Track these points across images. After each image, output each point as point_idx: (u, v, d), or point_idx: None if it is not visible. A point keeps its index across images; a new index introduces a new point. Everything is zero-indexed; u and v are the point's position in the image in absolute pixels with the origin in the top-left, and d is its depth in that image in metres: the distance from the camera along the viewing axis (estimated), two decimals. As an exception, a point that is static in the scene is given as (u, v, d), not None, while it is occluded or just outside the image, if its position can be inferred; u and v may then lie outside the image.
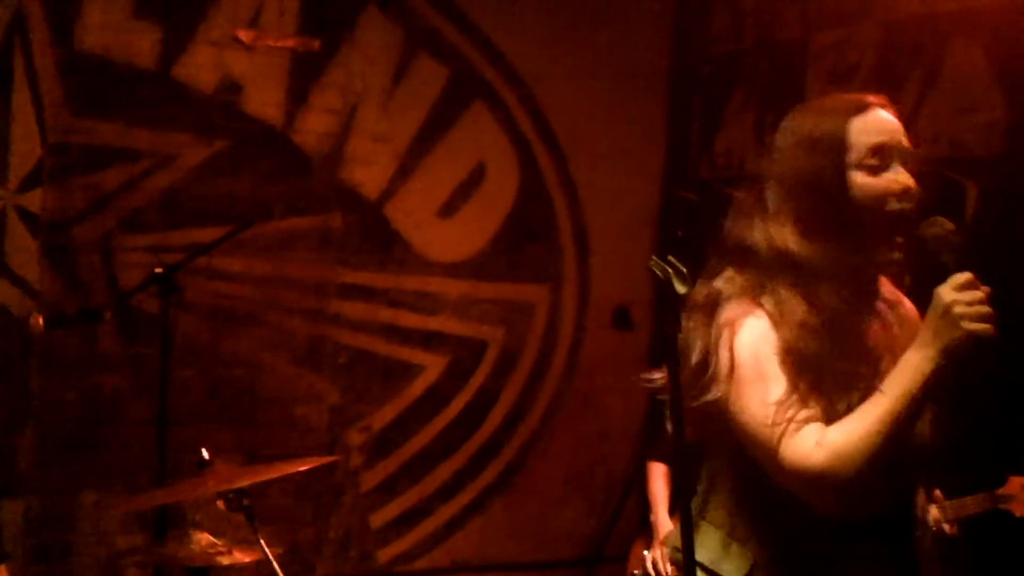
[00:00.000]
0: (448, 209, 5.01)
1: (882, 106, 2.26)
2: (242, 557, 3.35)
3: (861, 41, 4.64)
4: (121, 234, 4.45)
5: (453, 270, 5.02)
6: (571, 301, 5.25)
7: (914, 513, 2.24)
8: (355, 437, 4.87)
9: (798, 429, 2.12)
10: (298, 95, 4.72)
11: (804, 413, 2.13)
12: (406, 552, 4.97)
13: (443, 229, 5.00)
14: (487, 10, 5.03)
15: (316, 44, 4.73)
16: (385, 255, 4.90)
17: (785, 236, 2.23)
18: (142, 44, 4.45)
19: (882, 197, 2.19)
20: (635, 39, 5.29)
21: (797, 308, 2.20)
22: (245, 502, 3.14)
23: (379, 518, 4.92)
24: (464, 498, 5.07)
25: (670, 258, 2.24)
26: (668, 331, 2.19)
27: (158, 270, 3.76)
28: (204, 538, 3.36)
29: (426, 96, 4.94)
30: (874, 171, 2.20)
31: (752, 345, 2.19)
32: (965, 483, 3.43)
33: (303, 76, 4.72)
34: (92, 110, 4.39)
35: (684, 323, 2.27)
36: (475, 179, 5.05)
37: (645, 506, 4.19)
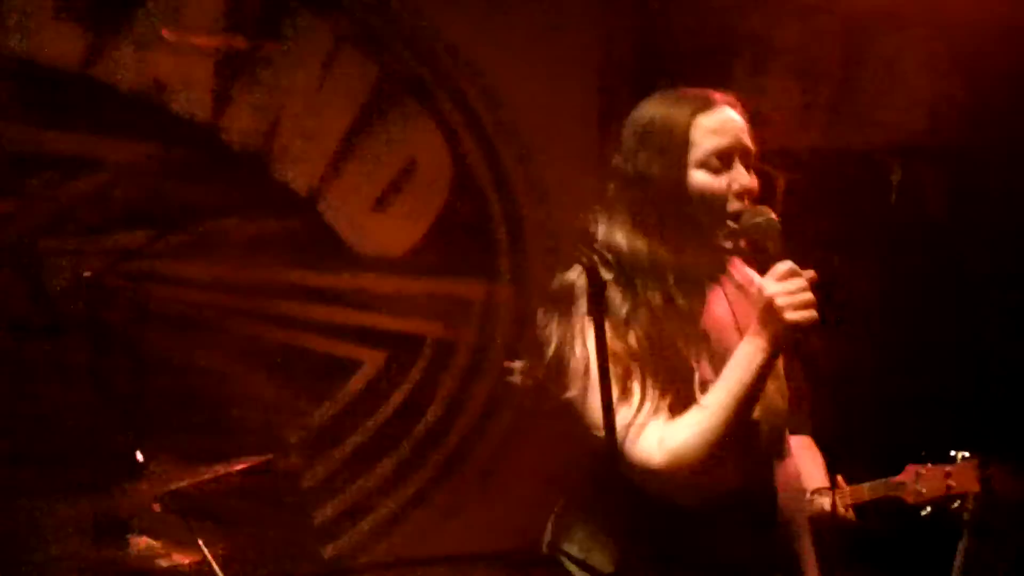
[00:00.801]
0: (380, 205, 5.00)
1: (729, 104, 2.30)
2: (181, 559, 3.35)
3: (786, 28, 4.70)
4: (47, 239, 4.40)
5: (388, 265, 5.00)
6: (507, 294, 5.26)
7: (773, 486, 2.28)
8: (294, 435, 4.84)
9: (640, 431, 2.17)
10: (225, 94, 4.68)
11: (644, 412, 2.17)
12: (350, 548, 4.95)
13: (376, 225, 4.99)
14: (416, 4, 5.01)
15: (241, 41, 4.70)
16: (318, 252, 4.88)
17: (615, 229, 2.29)
18: (65, 46, 4.40)
19: (722, 197, 2.25)
20: (566, 30, 5.30)
21: (622, 305, 2.25)
22: (181, 503, 3.14)
23: (321, 515, 4.91)
24: (406, 492, 5.07)
25: (596, 247, 2.27)
26: (596, 318, 2.22)
27: (86, 274, 3.73)
28: (142, 541, 3.35)
29: (355, 92, 4.92)
30: (715, 171, 2.25)
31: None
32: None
33: (230, 75, 4.69)
34: (15, 114, 4.33)
35: (540, 317, 2.31)
36: (407, 174, 5.04)
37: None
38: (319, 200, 4.88)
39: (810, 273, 2.14)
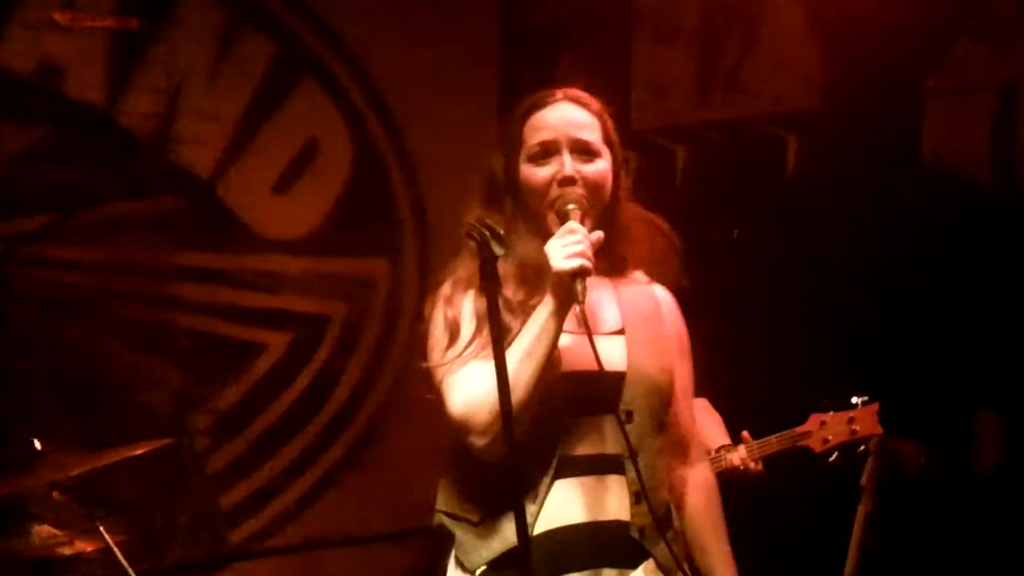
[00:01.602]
0: (282, 186, 4.97)
1: (569, 99, 2.45)
2: (84, 547, 3.32)
3: (683, 2, 4.74)
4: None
5: (291, 247, 4.98)
6: (412, 273, 5.25)
7: (628, 445, 2.32)
8: (200, 420, 4.82)
9: (449, 380, 2.34)
10: (121, 76, 4.62)
11: (464, 355, 2.33)
12: (259, 531, 4.93)
13: (278, 206, 4.96)
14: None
15: (135, 23, 4.64)
16: (220, 235, 4.84)
17: (471, 216, 2.43)
18: (-48, 30, 4.33)
19: (544, 186, 2.40)
20: (464, 6, 5.30)
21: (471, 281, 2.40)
22: (80, 491, 3.12)
23: (229, 499, 4.89)
24: (315, 474, 5.06)
25: (488, 221, 2.30)
26: (488, 294, 2.25)
27: (-19, 261, 3.68)
28: (44, 530, 3.32)
29: (253, 73, 4.88)
30: (539, 163, 2.42)
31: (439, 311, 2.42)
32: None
33: (125, 56, 4.63)
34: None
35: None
36: (308, 155, 5.01)
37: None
38: (219, 182, 4.84)
39: (597, 234, 2.30)
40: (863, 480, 3.72)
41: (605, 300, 2.45)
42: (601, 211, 2.42)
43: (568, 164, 2.39)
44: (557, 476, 2.33)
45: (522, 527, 2.15)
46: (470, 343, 2.34)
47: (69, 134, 4.55)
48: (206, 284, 4.83)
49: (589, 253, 2.25)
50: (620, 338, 2.42)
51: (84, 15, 4.56)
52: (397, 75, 5.16)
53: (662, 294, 2.54)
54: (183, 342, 4.78)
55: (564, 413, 2.33)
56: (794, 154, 4.31)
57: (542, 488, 2.31)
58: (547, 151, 2.40)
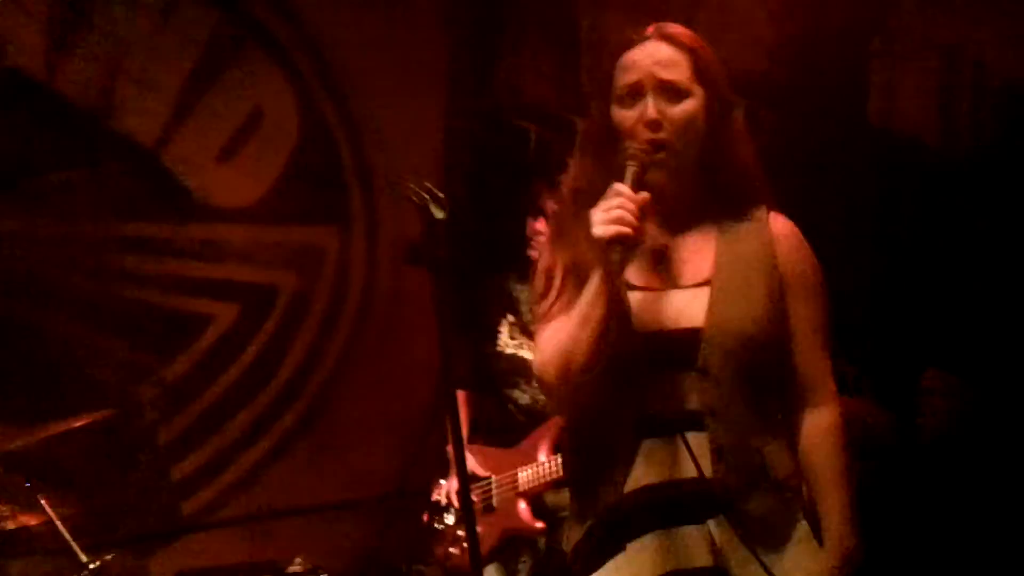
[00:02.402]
0: (227, 154, 4.90)
1: (656, 38, 2.36)
2: (27, 520, 3.29)
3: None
4: None
5: (237, 216, 4.93)
6: (360, 241, 5.22)
7: (691, 409, 2.30)
8: (148, 392, 4.76)
9: (536, 339, 2.33)
10: (59, 43, 4.54)
11: (554, 308, 2.33)
12: (210, 502, 4.91)
13: (223, 174, 4.90)
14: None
15: (75, -11, 4.57)
16: (165, 204, 4.78)
17: (573, 164, 2.42)
18: None
19: (633, 128, 2.32)
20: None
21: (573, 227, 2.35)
22: (24, 466, 3.08)
23: (179, 471, 4.85)
24: (266, 444, 5.02)
25: (426, 183, 2.28)
26: (429, 258, 2.24)
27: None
28: (-16, 504, 3.29)
29: (195, 39, 4.80)
30: (627, 106, 2.34)
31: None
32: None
33: (63, 23, 4.54)
34: None
35: None
36: (253, 122, 4.95)
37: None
38: (162, 151, 4.77)
39: (643, 195, 2.22)
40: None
41: (700, 248, 2.38)
42: (699, 151, 2.35)
43: (651, 106, 2.31)
44: (642, 435, 2.31)
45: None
46: (557, 298, 2.33)
47: (8, 103, 4.46)
48: (151, 255, 4.77)
49: (629, 218, 2.17)
50: (704, 290, 2.35)
51: (22, -19, 4.48)
52: (343, 41, 5.10)
53: (782, 229, 2.43)
54: (128, 313, 4.72)
55: (643, 372, 2.29)
56: (742, 116, 4.30)
57: (628, 448, 2.31)
58: (634, 92, 2.32)
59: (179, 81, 4.79)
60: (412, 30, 5.26)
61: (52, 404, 4.49)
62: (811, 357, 2.41)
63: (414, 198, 2.23)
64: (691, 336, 2.30)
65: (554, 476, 3.77)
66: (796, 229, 2.44)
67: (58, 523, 3.06)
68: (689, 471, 2.28)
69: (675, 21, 2.44)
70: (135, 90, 4.70)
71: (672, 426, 2.29)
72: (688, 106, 2.33)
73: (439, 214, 2.22)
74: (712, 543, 2.27)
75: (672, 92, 2.32)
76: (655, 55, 2.34)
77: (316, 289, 5.13)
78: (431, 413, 5.24)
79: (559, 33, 4.89)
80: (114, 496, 4.69)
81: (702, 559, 2.27)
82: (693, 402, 2.29)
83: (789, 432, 2.38)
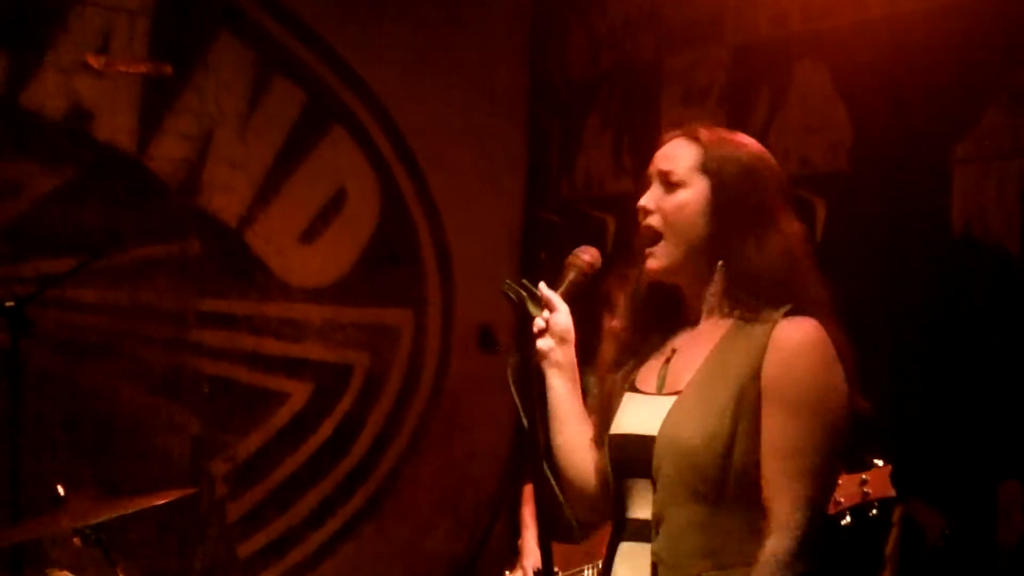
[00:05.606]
0: (309, 234, 4.99)
1: (680, 135, 2.36)
2: (101, 594, 3.30)
3: (711, 63, 4.75)
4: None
5: (316, 295, 4.99)
6: (435, 324, 5.25)
7: (644, 518, 2.28)
8: (219, 467, 4.80)
9: None
10: (151, 121, 4.66)
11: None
12: (275, 582, 4.92)
13: (304, 254, 4.97)
14: (344, 32, 5.02)
15: (168, 69, 4.67)
16: (246, 282, 4.85)
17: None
18: (-14, 71, 4.36)
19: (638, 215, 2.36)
20: (493, 61, 5.33)
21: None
22: (101, 536, 3.10)
23: (246, 548, 4.86)
24: (333, 525, 5.03)
25: (524, 281, 2.29)
26: (526, 353, 2.24)
27: (9, 303, 3.68)
28: (61, 575, 3.31)
29: (283, 120, 4.92)
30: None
31: None
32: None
33: (156, 102, 4.67)
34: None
35: None
36: (336, 203, 5.03)
37: (516, 528, 4.20)
38: (246, 229, 4.85)
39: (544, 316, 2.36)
40: (887, 550, 3.67)
41: (694, 354, 2.30)
42: (706, 243, 2.28)
43: (646, 195, 2.33)
44: (620, 538, 2.31)
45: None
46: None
47: (96, 177, 4.56)
48: (229, 330, 4.83)
49: (539, 334, 2.34)
50: (672, 399, 2.26)
51: (117, 60, 4.59)
52: (425, 126, 5.18)
53: (783, 337, 2.21)
54: (204, 388, 4.77)
55: (616, 476, 2.31)
56: (823, 218, 4.29)
57: (612, 550, 2.33)
58: (646, 186, 2.35)
59: (265, 161, 4.89)
60: (493, 117, 5.33)
61: (123, 474, 4.55)
62: (771, 479, 2.17)
63: (511, 295, 2.24)
64: (646, 443, 2.26)
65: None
66: (807, 338, 2.21)
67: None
68: None
69: (755, 121, 2.45)
70: (222, 169, 4.80)
71: (641, 532, 2.27)
72: (682, 196, 2.29)
73: (536, 312, 2.23)
74: None
75: (669, 183, 2.31)
76: (667, 150, 2.34)
77: (390, 370, 5.16)
78: (498, 500, 5.23)
79: (640, 129, 4.92)
80: (180, 569, 4.71)
81: None
82: (646, 511, 2.26)
83: (745, 560, 2.17)
